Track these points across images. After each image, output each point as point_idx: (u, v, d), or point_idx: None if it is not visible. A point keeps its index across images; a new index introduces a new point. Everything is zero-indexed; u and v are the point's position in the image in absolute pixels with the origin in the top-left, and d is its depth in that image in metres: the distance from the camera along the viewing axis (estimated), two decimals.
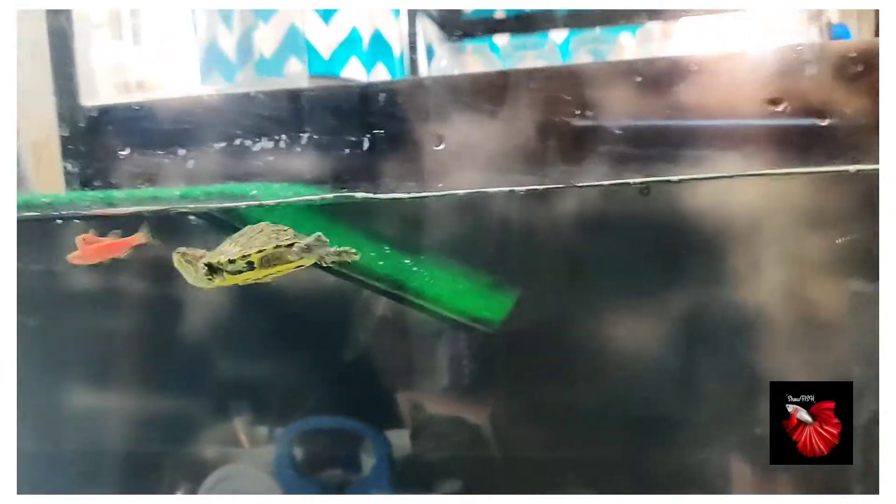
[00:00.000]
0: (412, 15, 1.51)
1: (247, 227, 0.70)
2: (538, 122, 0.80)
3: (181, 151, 0.83)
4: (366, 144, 0.80)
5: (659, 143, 0.77)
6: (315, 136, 0.80)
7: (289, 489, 0.93)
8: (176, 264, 0.70)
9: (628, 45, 1.48)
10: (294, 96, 0.84)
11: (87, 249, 0.78)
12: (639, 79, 0.79)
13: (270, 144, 0.81)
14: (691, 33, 1.46)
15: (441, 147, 0.79)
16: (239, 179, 0.81)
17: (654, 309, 0.86)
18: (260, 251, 0.67)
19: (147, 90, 1.49)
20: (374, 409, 0.93)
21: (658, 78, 0.79)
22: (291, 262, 0.69)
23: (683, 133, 0.78)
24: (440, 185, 0.78)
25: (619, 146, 0.78)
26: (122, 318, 0.98)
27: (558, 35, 1.57)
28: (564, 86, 0.80)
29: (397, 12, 1.60)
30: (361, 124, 0.81)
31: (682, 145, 0.78)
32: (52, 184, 0.93)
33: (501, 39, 1.60)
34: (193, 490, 0.96)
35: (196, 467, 0.99)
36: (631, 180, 0.73)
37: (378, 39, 1.59)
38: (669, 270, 0.86)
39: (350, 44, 1.56)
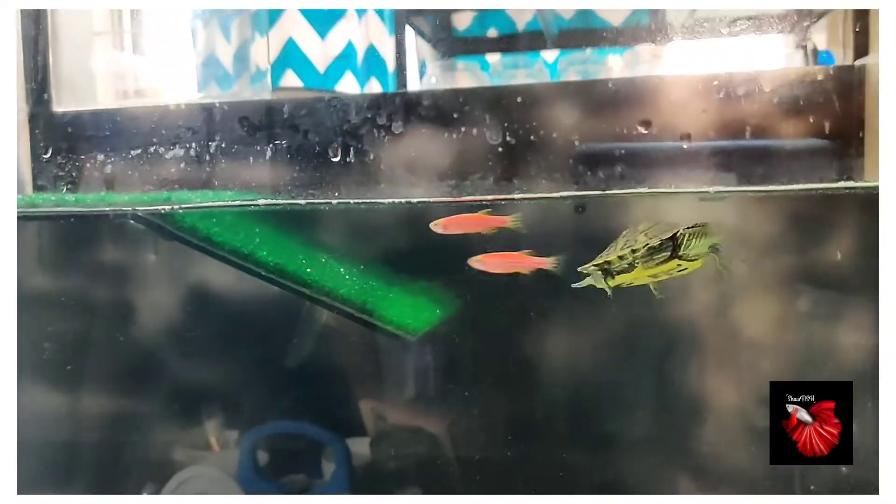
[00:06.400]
0: (401, 31, 1.54)
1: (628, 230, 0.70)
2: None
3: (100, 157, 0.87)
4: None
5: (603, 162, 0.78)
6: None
7: (250, 492, 0.94)
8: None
9: (616, 67, 1.49)
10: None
11: None
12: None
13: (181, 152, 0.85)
14: (680, 56, 1.46)
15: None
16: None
17: None
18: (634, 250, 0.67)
19: (145, 98, 1.53)
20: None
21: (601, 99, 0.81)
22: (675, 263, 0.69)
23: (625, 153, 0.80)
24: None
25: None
26: None
27: (549, 55, 1.58)
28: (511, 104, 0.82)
29: (392, 29, 1.63)
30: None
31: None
32: None
33: (492, 58, 1.62)
34: (158, 491, 0.97)
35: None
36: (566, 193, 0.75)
37: (372, 54, 1.61)
38: None
39: (345, 58, 1.58)
